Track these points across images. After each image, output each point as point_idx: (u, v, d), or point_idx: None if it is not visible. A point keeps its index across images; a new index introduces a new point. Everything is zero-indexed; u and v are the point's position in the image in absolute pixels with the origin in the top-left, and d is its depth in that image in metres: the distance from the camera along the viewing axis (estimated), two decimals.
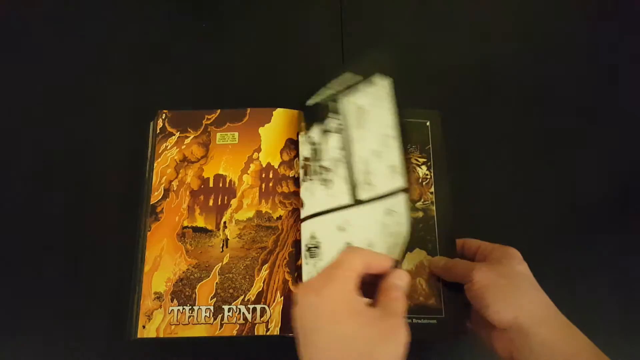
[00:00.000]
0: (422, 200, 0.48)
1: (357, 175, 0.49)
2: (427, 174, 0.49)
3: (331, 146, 0.52)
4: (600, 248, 0.54)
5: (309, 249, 0.50)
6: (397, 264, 0.38)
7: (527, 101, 0.61)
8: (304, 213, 0.52)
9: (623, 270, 0.53)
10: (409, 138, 0.48)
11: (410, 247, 0.46)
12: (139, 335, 0.49)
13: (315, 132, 0.53)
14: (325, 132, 0.52)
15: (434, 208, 0.48)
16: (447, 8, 0.66)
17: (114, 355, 0.50)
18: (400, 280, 0.37)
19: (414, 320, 0.44)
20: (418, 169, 0.50)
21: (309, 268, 0.50)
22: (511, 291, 0.38)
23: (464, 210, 0.51)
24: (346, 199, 0.49)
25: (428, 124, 0.49)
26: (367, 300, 0.34)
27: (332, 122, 0.52)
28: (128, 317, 0.50)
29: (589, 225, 0.55)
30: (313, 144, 0.53)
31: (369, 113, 0.48)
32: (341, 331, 0.32)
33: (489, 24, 0.65)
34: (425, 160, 0.51)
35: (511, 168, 0.57)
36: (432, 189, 0.48)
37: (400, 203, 0.44)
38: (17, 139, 0.59)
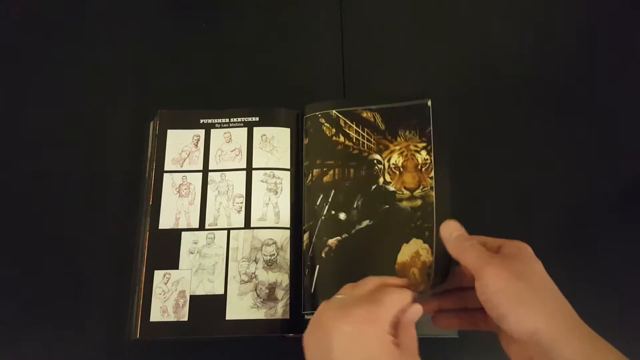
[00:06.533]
0: (421, 187, 0.46)
1: None
2: (426, 159, 0.46)
3: None
4: (600, 247, 0.54)
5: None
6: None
7: (529, 99, 0.61)
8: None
9: (624, 270, 0.53)
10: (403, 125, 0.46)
11: (406, 238, 0.45)
12: (139, 335, 0.49)
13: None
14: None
15: (433, 194, 0.45)
16: (448, 4, 0.66)
17: (114, 355, 0.50)
18: (416, 315, 0.37)
19: None
20: (417, 154, 0.48)
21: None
22: (530, 297, 0.33)
23: (465, 207, 0.51)
24: None
25: (429, 103, 0.46)
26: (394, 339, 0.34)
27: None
28: (128, 317, 0.50)
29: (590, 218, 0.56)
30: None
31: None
32: None
33: (490, 23, 0.65)
34: (425, 144, 0.48)
35: (512, 166, 0.57)
36: (432, 174, 0.46)
37: None
38: (16, 138, 0.59)
